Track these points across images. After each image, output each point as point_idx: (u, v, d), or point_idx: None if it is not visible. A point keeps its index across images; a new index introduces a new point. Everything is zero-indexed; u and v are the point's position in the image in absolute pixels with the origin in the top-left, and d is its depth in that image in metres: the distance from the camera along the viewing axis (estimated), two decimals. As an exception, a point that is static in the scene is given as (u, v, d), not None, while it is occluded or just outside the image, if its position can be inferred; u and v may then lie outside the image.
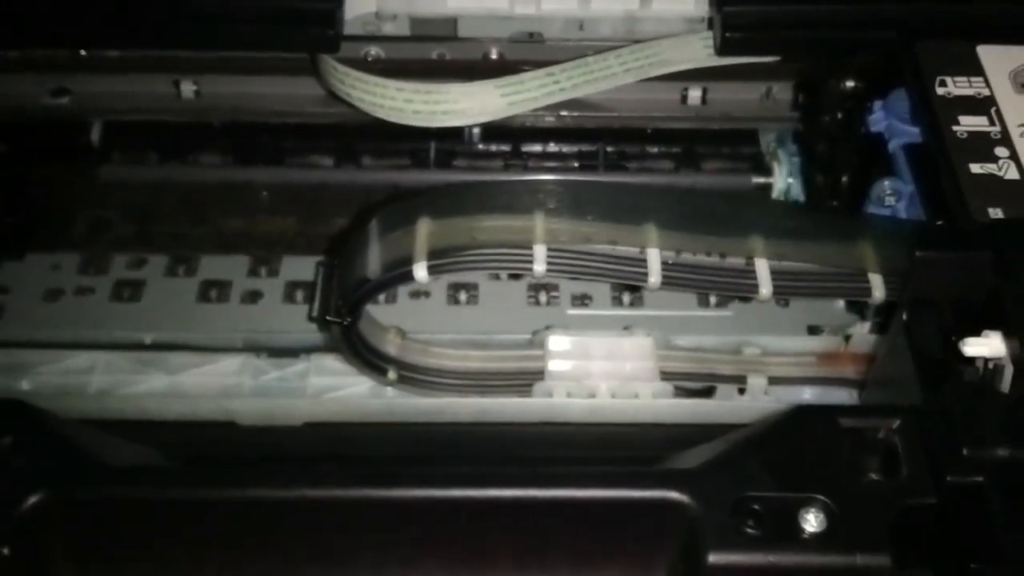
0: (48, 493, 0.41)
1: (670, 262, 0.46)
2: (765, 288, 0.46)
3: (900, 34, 0.54)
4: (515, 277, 0.58)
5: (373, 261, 0.47)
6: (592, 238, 0.46)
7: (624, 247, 0.46)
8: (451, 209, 0.47)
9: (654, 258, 0.46)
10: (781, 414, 0.44)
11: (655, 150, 0.67)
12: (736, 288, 0.47)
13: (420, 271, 0.46)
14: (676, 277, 0.46)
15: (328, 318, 0.47)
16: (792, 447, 0.42)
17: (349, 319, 0.47)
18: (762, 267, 0.47)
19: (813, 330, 0.56)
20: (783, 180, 0.64)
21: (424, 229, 0.46)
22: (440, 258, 0.46)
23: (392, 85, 0.56)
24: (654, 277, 0.46)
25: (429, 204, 0.47)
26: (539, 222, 0.46)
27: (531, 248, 0.45)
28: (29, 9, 0.56)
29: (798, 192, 0.64)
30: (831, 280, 0.47)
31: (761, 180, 0.65)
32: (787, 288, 0.47)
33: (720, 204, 0.50)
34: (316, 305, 0.47)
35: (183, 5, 0.56)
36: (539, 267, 0.45)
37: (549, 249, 0.45)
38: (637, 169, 0.66)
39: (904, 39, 0.54)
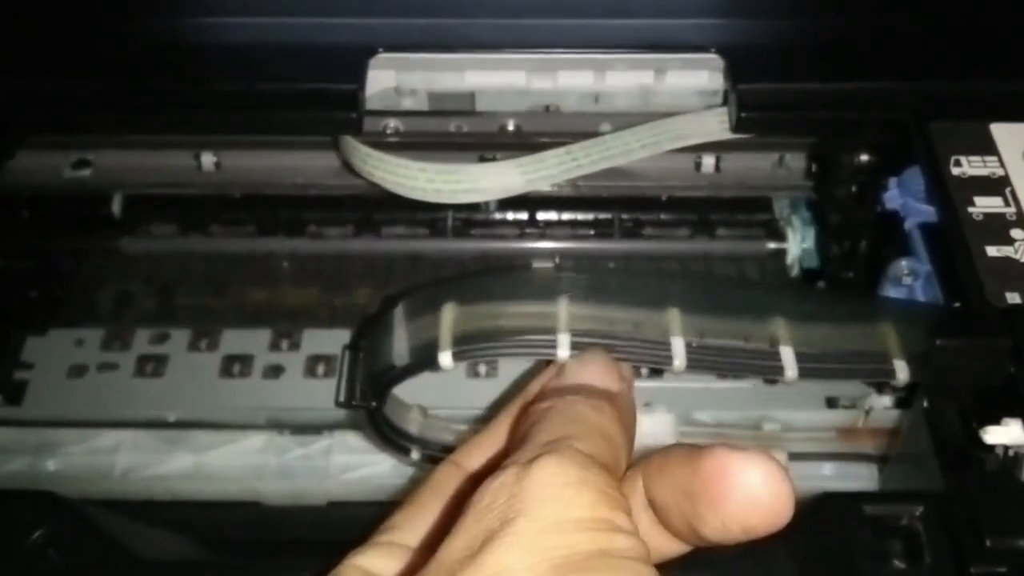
0: (81, 587, 0.41)
1: (694, 345, 0.47)
2: (791, 371, 0.47)
3: (913, 113, 0.55)
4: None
5: (398, 346, 0.48)
6: (616, 322, 0.47)
7: (647, 330, 0.47)
8: (475, 296, 0.47)
9: (678, 342, 0.47)
10: (804, 501, 0.44)
11: (670, 217, 0.67)
12: (761, 370, 0.48)
13: (445, 359, 0.46)
14: (700, 359, 0.47)
15: (354, 403, 0.48)
16: (816, 535, 0.43)
17: (374, 404, 0.48)
18: (787, 350, 0.47)
19: (831, 402, 0.57)
20: (797, 246, 0.65)
21: (449, 315, 0.47)
22: (465, 344, 0.46)
23: (414, 165, 0.57)
24: (679, 360, 0.46)
25: (453, 290, 0.48)
26: (563, 308, 0.47)
27: (555, 334, 0.46)
28: (56, 98, 0.57)
29: (812, 258, 0.65)
30: (855, 362, 0.48)
31: (775, 246, 0.66)
32: (812, 371, 0.47)
33: (739, 290, 0.50)
34: (342, 389, 0.48)
35: (205, 92, 0.57)
36: (563, 353, 0.46)
37: (573, 334, 0.46)
38: (652, 236, 0.67)
39: (917, 118, 0.54)
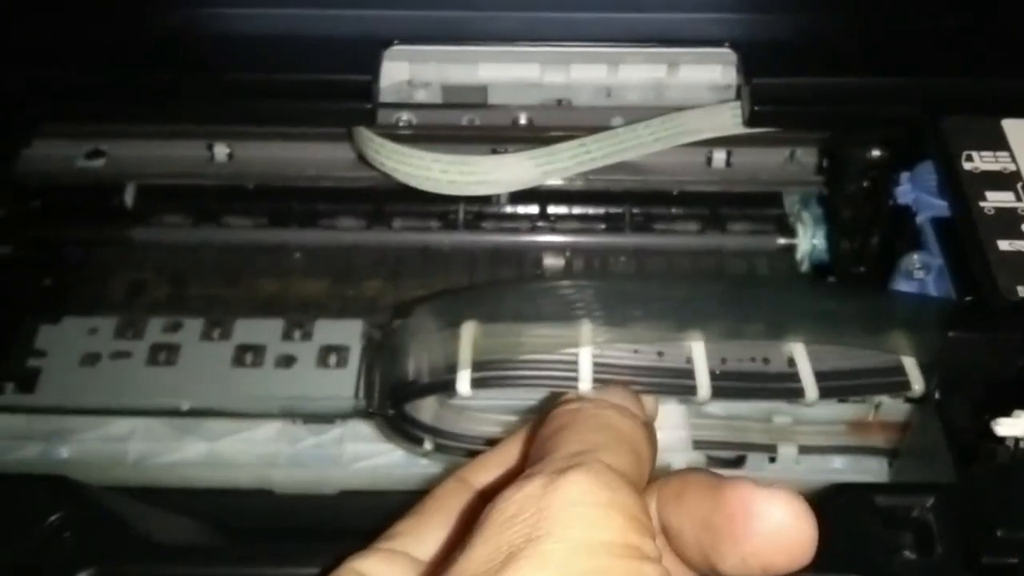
0: (96, 570, 0.42)
1: (717, 372, 0.47)
2: (811, 392, 0.47)
3: (925, 108, 0.55)
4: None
5: (417, 360, 0.48)
6: (639, 347, 0.46)
7: (670, 357, 0.46)
8: (495, 312, 0.47)
9: (702, 370, 0.46)
10: (816, 492, 0.45)
11: (681, 212, 0.67)
12: (782, 394, 0.48)
13: (463, 385, 0.46)
14: (723, 387, 0.47)
15: (371, 411, 0.48)
16: (827, 526, 0.43)
17: (391, 412, 0.48)
18: (805, 370, 0.47)
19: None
20: (807, 242, 0.65)
21: (468, 336, 0.47)
22: (484, 370, 0.46)
23: (428, 157, 0.57)
24: (703, 391, 0.46)
25: (471, 303, 0.48)
26: (584, 331, 0.46)
27: (576, 362, 0.46)
28: (70, 85, 0.57)
29: (822, 254, 0.65)
30: (872, 377, 0.48)
31: (785, 241, 0.66)
32: (832, 389, 0.47)
33: (757, 293, 0.50)
34: (361, 396, 0.48)
35: (220, 83, 0.57)
36: (584, 386, 0.45)
37: (595, 364, 0.45)
38: (663, 231, 0.67)
39: (930, 113, 0.54)
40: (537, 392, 0.53)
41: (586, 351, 0.46)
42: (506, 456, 0.41)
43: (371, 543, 0.38)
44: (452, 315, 0.48)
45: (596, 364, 0.46)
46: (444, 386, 0.46)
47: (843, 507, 0.43)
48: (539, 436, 0.38)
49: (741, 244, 0.67)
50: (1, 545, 0.42)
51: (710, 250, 0.66)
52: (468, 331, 0.47)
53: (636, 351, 0.46)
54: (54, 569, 0.41)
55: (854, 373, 0.47)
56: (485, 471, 0.41)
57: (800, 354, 0.47)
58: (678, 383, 0.46)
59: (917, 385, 0.47)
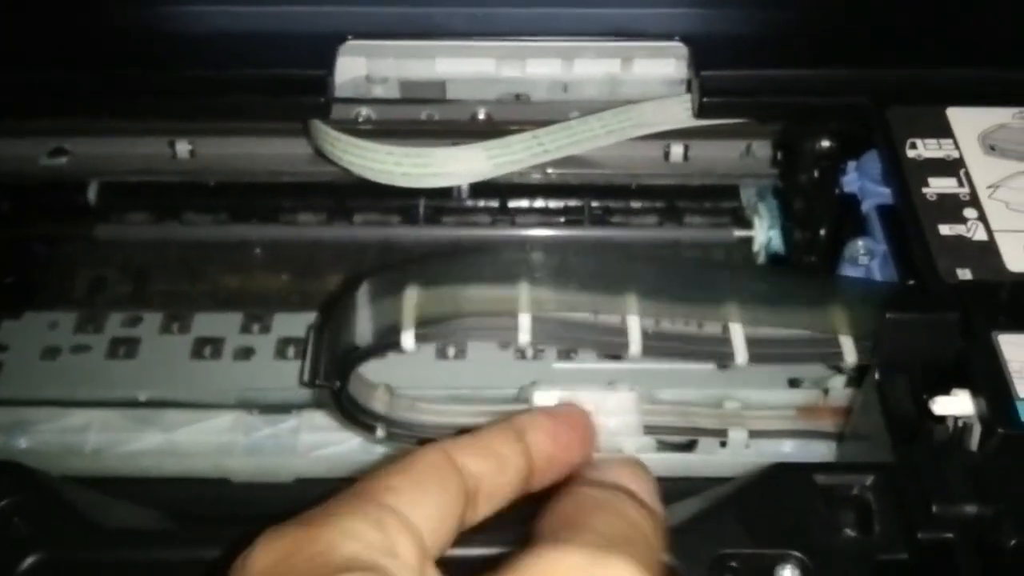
0: (45, 554, 0.42)
1: (649, 332, 0.48)
2: (740, 356, 0.48)
3: (872, 98, 0.56)
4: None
5: (362, 328, 0.49)
6: (575, 307, 0.47)
7: (606, 316, 0.48)
8: (438, 278, 0.48)
9: (634, 328, 0.48)
10: (758, 471, 0.45)
11: (639, 205, 0.68)
12: (713, 356, 0.49)
13: (408, 340, 0.47)
14: (655, 346, 0.48)
15: (317, 382, 0.48)
16: (769, 504, 0.43)
17: (338, 384, 0.49)
18: (737, 335, 0.48)
19: (793, 383, 0.58)
20: (764, 233, 0.66)
21: (412, 297, 0.48)
22: (427, 327, 0.47)
23: (381, 149, 0.58)
24: (634, 347, 0.47)
25: (417, 272, 0.49)
26: (524, 292, 0.48)
27: (516, 318, 0.47)
28: (29, 82, 0.58)
29: (778, 244, 0.66)
30: (804, 347, 0.49)
31: (742, 233, 0.67)
32: (761, 355, 0.48)
33: (697, 270, 0.51)
34: (307, 370, 0.49)
35: (176, 77, 0.58)
36: (523, 337, 0.47)
37: (533, 319, 0.47)
38: (621, 224, 0.68)
39: (876, 103, 0.55)
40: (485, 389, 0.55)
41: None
42: (490, 443, 0.39)
43: (362, 491, 0.35)
44: (395, 284, 0.48)
45: (534, 320, 0.47)
46: (388, 345, 0.47)
47: (785, 486, 0.44)
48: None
49: (699, 236, 0.67)
50: (-51, 529, 0.42)
51: (668, 242, 0.67)
52: (411, 295, 0.48)
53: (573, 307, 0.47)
54: (2, 553, 0.42)
55: (787, 342, 0.48)
56: (471, 453, 0.39)
57: (737, 317, 0.48)
58: (610, 340, 0.47)
59: (850, 357, 0.48)
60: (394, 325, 0.48)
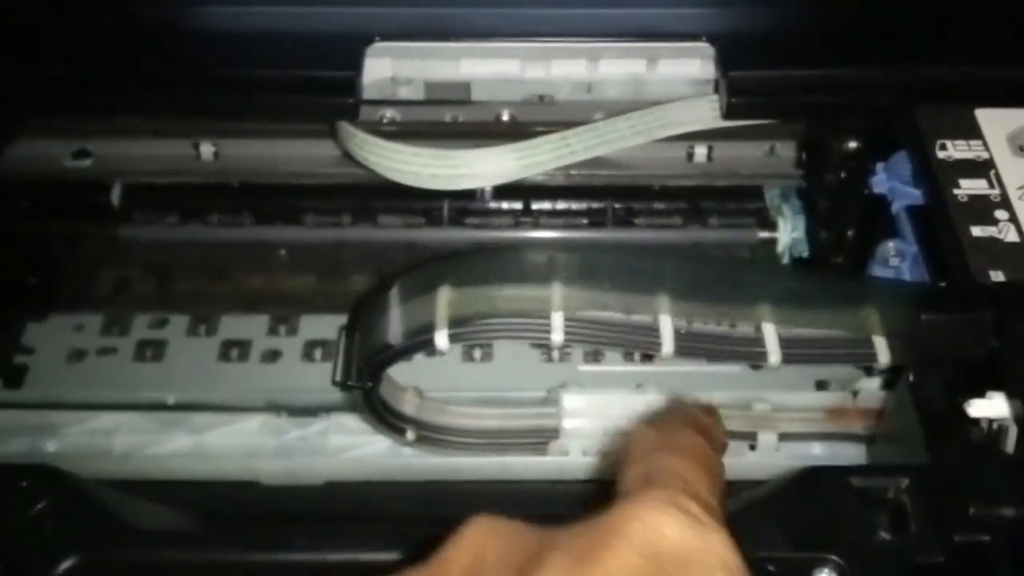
0: (82, 557, 0.42)
1: (682, 331, 0.48)
2: (774, 356, 0.48)
3: (900, 98, 0.55)
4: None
5: (394, 327, 0.49)
6: (608, 306, 0.47)
7: (638, 315, 0.48)
8: (471, 277, 0.48)
9: (666, 328, 0.47)
10: (793, 474, 0.45)
11: (662, 206, 0.68)
12: (746, 356, 0.49)
13: (441, 339, 0.47)
14: (688, 346, 0.48)
15: (349, 383, 0.48)
16: (804, 507, 0.43)
17: (370, 384, 0.49)
18: (770, 335, 0.48)
19: (821, 385, 0.58)
20: (788, 235, 0.66)
21: (444, 297, 0.48)
22: (460, 326, 0.47)
23: (410, 151, 0.58)
24: (667, 346, 0.47)
25: (449, 271, 0.49)
26: (556, 291, 0.48)
27: (549, 317, 0.47)
28: (56, 81, 0.58)
29: (803, 246, 0.66)
30: (838, 347, 0.49)
31: (766, 235, 0.66)
32: (795, 355, 0.48)
33: (729, 270, 0.51)
34: (338, 370, 0.49)
35: (205, 76, 0.58)
36: (557, 336, 0.47)
37: (566, 319, 0.47)
38: (645, 225, 0.68)
39: (904, 103, 0.55)
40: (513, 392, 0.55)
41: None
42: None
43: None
44: (428, 284, 0.48)
45: (567, 320, 0.47)
46: (422, 345, 0.47)
47: (820, 489, 0.44)
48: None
49: (723, 237, 0.67)
50: (-13, 531, 0.42)
51: (692, 244, 0.67)
52: (444, 294, 0.48)
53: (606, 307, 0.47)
54: (38, 556, 0.42)
55: (820, 342, 0.48)
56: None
57: (769, 317, 0.48)
58: (643, 339, 0.47)
59: (884, 357, 0.48)
60: (426, 325, 0.47)
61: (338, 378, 0.49)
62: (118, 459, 0.54)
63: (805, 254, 0.65)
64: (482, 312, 0.47)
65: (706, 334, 0.48)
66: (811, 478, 0.45)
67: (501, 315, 0.47)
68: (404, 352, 0.48)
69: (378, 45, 0.61)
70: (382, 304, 0.50)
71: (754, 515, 0.44)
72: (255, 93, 0.57)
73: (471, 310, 0.47)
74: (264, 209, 0.67)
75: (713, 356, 0.50)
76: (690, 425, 0.37)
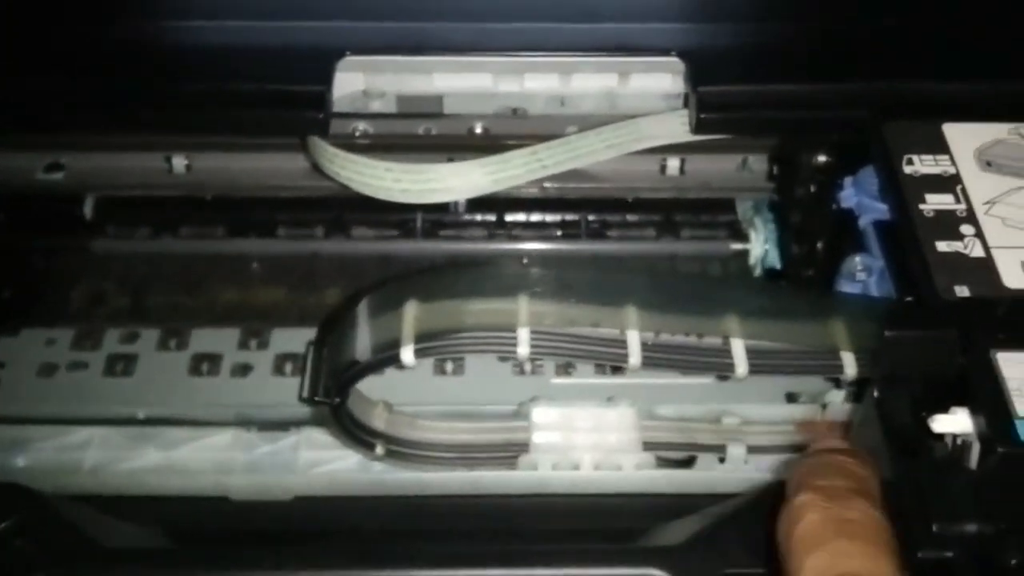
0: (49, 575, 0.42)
1: (649, 343, 0.48)
2: (741, 367, 0.48)
3: (868, 113, 0.56)
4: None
5: (361, 343, 0.49)
6: (576, 320, 0.48)
7: (606, 328, 0.48)
8: (437, 292, 0.48)
9: (634, 340, 0.48)
10: (759, 489, 0.45)
11: (636, 219, 0.68)
12: (713, 367, 0.49)
13: (407, 355, 0.47)
14: (655, 358, 0.48)
15: (317, 399, 0.48)
16: (766, 523, 0.44)
17: (337, 400, 0.49)
18: (738, 347, 0.49)
19: (791, 397, 0.58)
20: (760, 246, 0.66)
21: (411, 312, 0.48)
22: (427, 341, 0.47)
23: (381, 165, 0.58)
24: (634, 358, 0.48)
25: (416, 287, 0.49)
26: (523, 305, 0.48)
27: (515, 331, 0.47)
28: (28, 96, 0.58)
29: (774, 258, 0.66)
30: (805, 359, 0.49)
31: (739, 246, 0.67)
32: (762, 367, 0.49)
33: (696, 285, 0.51)
34: (306, 386, 0.49)
35: (175, 92, 0.58)
36: (523, 350, 0.47)
37: (533, 332, 0.47)
38: (618, 238, 0.68)
39: (873, 118, 0.55)
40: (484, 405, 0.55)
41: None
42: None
43: None
44: (395, 299, 0.49)
45: (534, 333, 0.47)
46: (388, 360, 0.47)
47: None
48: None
49: (695, 249, 0.68)
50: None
51: (665, 256, 0.68)
52: (410, 309, 0.48)
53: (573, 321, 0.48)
54: (9, 573, 0.42)
55: (787, 353, 0.48)
56: None
57: (737, 330, 0.49)
58: (611, 352, 0.48)
59: (850, 370, 0.48)
60: (393, 340, 0.48)
61: (305, 394, 0.49)
62: (88, 474, 0.54)
63: (777, 266, 0.66)
64: (448, 326, 0.47)
65: (673, 345, 0.49)
66: (778, 492, 0.45)
67: (467, 329, 0.47)
68: (371, 368, 0.48)
69: (349, 59, 0.61)
70: (350, 319, 0.50)
71: (721, 530, 0.44)
72: (224, 108, 0.57)
73: (437, 325, 0.47)
74: (237, 222, 0.67)
75: (680, 367, 0.50)
76: (855, 491, 0.39)
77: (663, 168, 0.67)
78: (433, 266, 0.65)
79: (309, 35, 0.62)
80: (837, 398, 0.55)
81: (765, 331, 0.49)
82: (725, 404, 0.56)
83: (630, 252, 0.68)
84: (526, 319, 0.47)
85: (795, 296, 0.53)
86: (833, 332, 0.49)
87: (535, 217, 0.68)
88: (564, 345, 0.48)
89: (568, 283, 0.49)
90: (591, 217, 0.68)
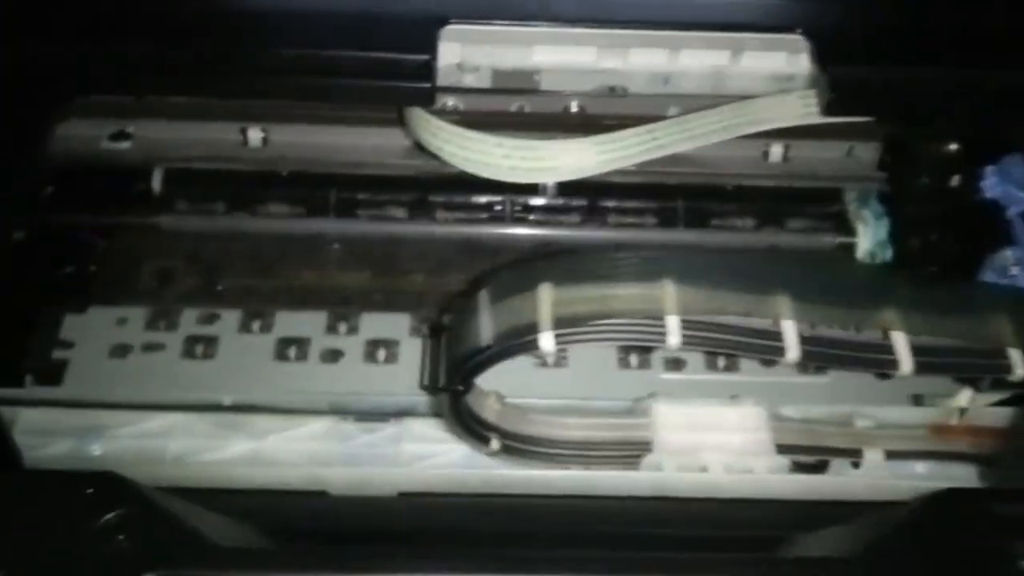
0: (160, 574, 0.38)
1: (807, 335, 0.44)
2: (906, 365, 0.44)
3: (1013, 100, 0.52)
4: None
5: (488, 329, 0.45)
6: (725, 308, 0.44)
7: (757, 319, 0.44)
8: (572, 277, 0.45)
9: (790, 332, 0.44)
10: (926, 497, 0.42)
11: (735, 207, 0.65)
12: (874, 364, 0.45)
13: (546, 340, 0.43)
14: (815, 352, 0.44)
15: (441, 386, 0.45)
16: (942, 533, 0.40)
17: (461, 388, 0.45)
18: (900, 342, 0.45)
19: (916, 399, 0.54)
20: (869, 240, 0.62)
21: (547, 296, 0.44)
22: (566, 327, 0.43)
23: (491, 141, 0.54)
24: (793, 352, 0.44)
25: (548, 271, 0.45)
26: (669, 291, 0.44)
27: (663, 319, 0.43)
28: (99, 55, 0.53)
29: (885, 252, 0.62)
30: (971, 357, 0.46)
31: (844, 240, 0.63)
32: (928, 365, 0.45)
33: (854, 274, 0.47)
34: (426, 373, 0.45)
35: (278, 58, 0.54)
36: (673, 339, 0.43)
37: (683, 320, 0.43)
38: (717, 226, 0.64)
39: (1018, 105, 0.52)
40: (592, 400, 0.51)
41: None
42: None
43: None
44: (526, 283, 0.45)
45: (685, 322, 0.43)
46: (524, 347, 0.44)
47: (954, 513, 0.41)
48: None
49: (798, 242, 0.64)
50: (54, 544, 0.38)
51: (765, 247, 0.64)
52: (546, 293, 0.45)
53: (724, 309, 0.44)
54: (114, 571, 0.38)
55: (953, 351, 0.45)
56: None
57: (895, 323, 0.45)
58: (765, 343, 0.44)
59: (1019, 369, 0.44)
60: (528, 325, 0.44)
61: (426, 382, 0.45)
62: (171, 464, 0.50)
63: (887, 259, 0.62)
64: (592, 312, 0.43)
65: (833, 339, 0.45)
66: (944, 501, 0.42)
67: (612, 315, 0.43)
68: (504, 354, 0.45)
69: (450, 28, 0.57)
70: (473, 304, 0.46)
71: (887, 541, 0.41)
72: (326, 76, 0.53)
73: (578, 310, 0.43)
74: (315, 200, 0.63)
75: (839, 363, 0.46)
76: None
77: (766, 155, 0.64)
78: (549, 251, 0.60)
79: (410, 1, 0.58)
80: (974, 401, 0.52)
81: (922, 325, 0.45)
82: (848, 405, 0.52)
83: (729, 242, 0.64)
84: (674, 306, 0.43)
85: (956, 290, 0.49)
86: (999, 327, 0.45)
87: (628, 203, 0.64)
88: (715, 336, 0.44)
89: (714, 269, 0.45)
90: (688, 204, 0.64)
